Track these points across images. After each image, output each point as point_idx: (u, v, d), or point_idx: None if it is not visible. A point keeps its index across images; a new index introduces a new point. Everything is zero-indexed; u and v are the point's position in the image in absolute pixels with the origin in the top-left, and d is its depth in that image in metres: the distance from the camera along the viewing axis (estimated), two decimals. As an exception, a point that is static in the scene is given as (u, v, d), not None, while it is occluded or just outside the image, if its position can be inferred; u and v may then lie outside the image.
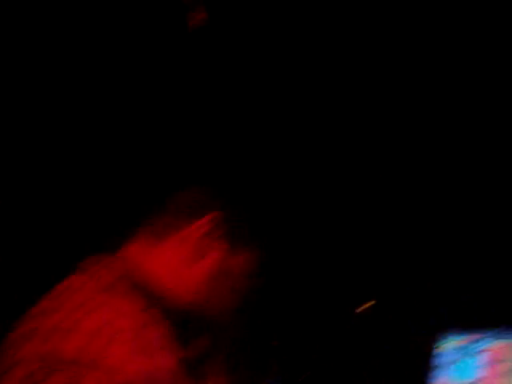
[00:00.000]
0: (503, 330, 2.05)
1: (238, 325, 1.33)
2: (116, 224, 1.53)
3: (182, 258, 1.23)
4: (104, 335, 1.02)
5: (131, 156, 2.32)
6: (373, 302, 2.45)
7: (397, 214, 2.49)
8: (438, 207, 2.45)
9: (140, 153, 2.32)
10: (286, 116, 2.35)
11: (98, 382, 0.97)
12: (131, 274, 1.18)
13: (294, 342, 2.37)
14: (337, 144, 2.42)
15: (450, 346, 2.15)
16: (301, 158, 2.42)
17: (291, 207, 2.43)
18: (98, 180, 2.29)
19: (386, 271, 2.50)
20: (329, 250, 2.51)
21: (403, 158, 2.44)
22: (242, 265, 1.28)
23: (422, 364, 2.16)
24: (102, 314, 1.06)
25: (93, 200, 2.28)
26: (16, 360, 1.02)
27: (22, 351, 1.03)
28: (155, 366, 1.03)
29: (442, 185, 2.43)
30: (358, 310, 2.44)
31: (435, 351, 2.17)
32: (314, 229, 2.48)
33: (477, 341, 2.09)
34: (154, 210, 1.30)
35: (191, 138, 2.31)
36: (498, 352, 2.02)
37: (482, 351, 2.05)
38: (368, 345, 2.40)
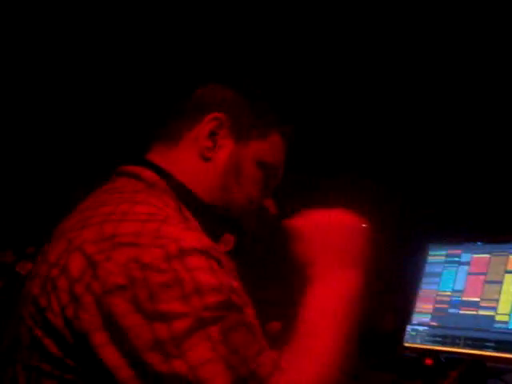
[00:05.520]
0: (482, 244, 2.15)
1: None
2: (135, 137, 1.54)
3: (196, 159, 1.28)
4: (154, 220, 1.06)
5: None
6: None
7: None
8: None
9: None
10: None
11: (165, 249, 1.00)
12: (159, 182, 1.23)
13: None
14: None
15: (435, 257, 2.25)
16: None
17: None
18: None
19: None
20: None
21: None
22: (251, 154, 1.31)
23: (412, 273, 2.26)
24: (147, 207, 1.10)
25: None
26: (76, 245, 1.05)
27: (81, 236, 1.06)
28: (208, 241, 1.06)
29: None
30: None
31: (423, 262, 2.27)
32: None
33: (459, 253, 2.18)
34: (165, 116, 1.34)
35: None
36: (479, 263, 2.11)
37: (465, 263, 2.15)
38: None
